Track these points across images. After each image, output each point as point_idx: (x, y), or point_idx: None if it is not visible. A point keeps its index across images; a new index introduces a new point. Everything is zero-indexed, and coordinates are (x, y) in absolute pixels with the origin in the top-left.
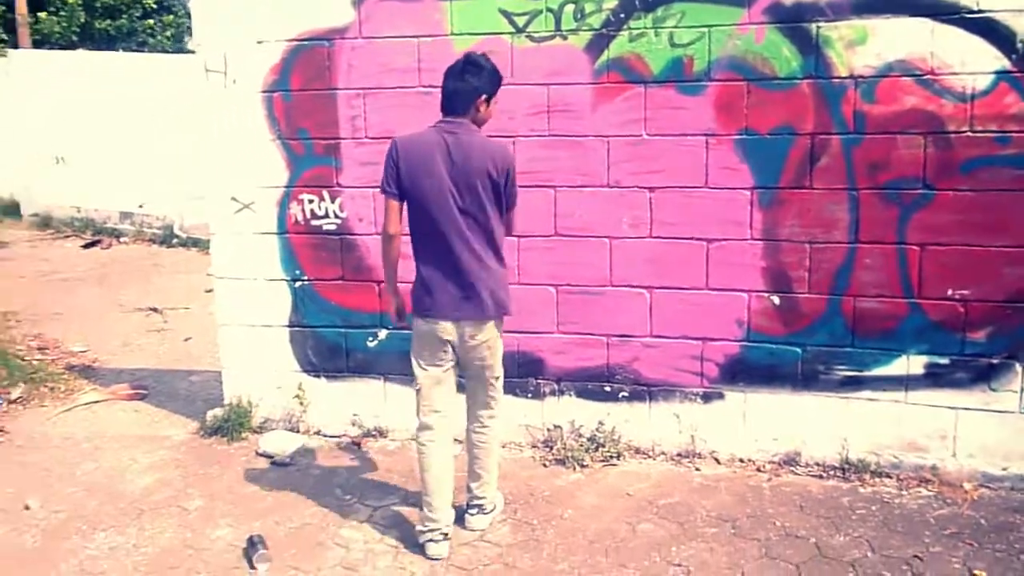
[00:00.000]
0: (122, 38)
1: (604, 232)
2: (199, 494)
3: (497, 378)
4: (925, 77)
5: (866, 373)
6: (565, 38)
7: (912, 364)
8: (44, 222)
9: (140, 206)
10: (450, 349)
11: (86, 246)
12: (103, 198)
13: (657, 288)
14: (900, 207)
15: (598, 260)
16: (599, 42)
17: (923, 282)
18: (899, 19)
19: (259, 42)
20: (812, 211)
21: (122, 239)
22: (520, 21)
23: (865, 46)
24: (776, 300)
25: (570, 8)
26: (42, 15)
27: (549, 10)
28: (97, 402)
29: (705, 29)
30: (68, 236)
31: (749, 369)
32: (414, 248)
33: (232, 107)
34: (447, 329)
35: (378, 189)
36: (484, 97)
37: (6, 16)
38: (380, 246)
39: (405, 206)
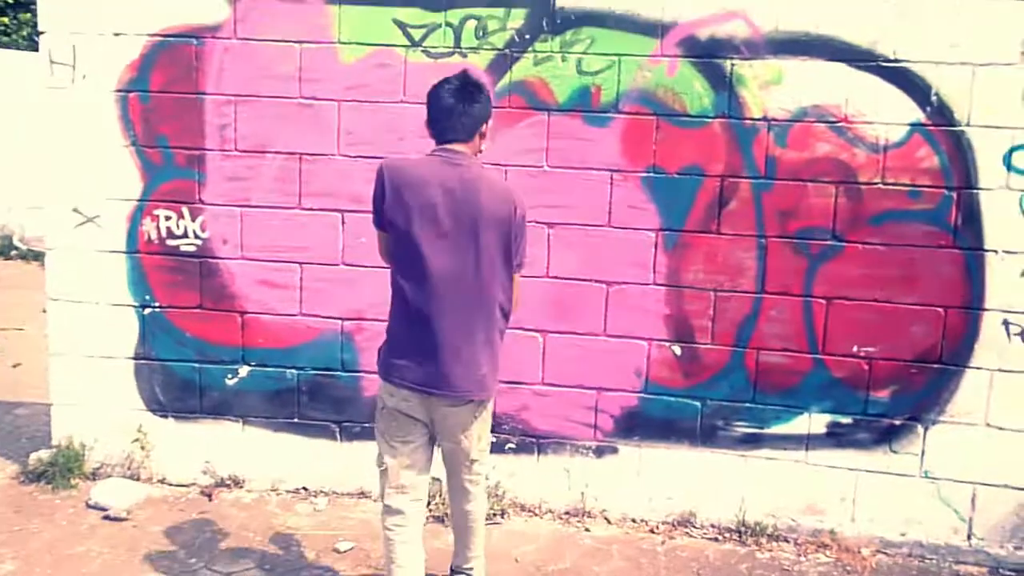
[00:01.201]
0: None
1: None
2: (11, 555)
3: (475, 462)
4: (839, 124)
5: (767, 430)
6: (465, 56)
7: (814, 422)
8: None
9: None
10: (421, 425)
11: None
12: None
13: (551, 332)
14: (808, 257)
15: None
16: (501, 63)
17: (828, 337)
18: (815, 62)
19: (116, 34)
20: (719, 257)
21: None
22: (416, 34)
23: (780, 87)
24: (677, 350)
25: (471, 24)
26: None
27: (448, 25)
28: None
29: (615, 58)
30: None
31: (646, 422)
32: (392, 295)
33: (80, 106)
34: (415, 405)
35: (245, 208)
36: (488, 124)
37: None
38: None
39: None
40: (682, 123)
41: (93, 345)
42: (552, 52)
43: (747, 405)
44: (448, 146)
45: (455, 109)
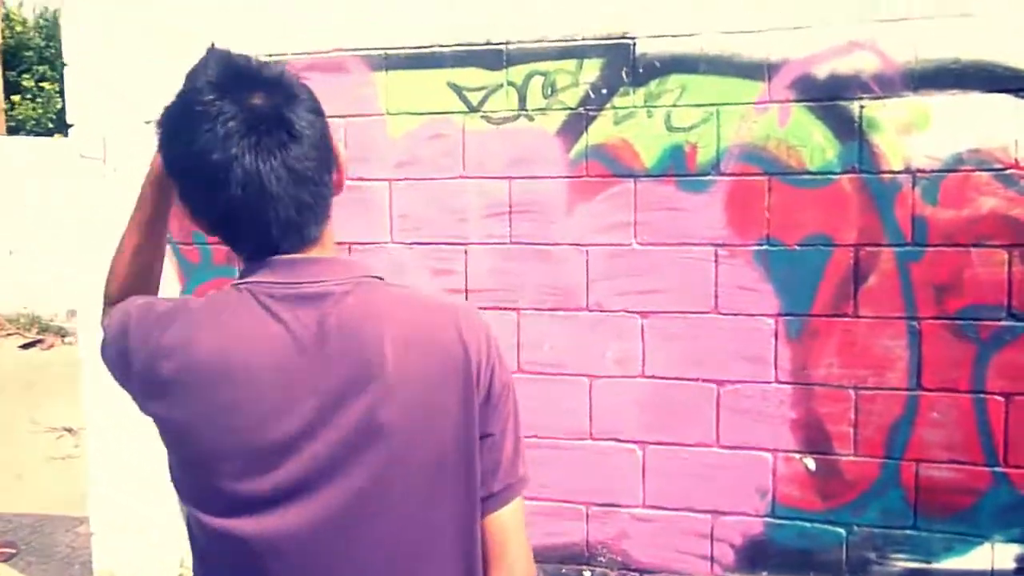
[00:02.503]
0: None
1: (582, 369)
2: None
3: None
4: (1008, 172)
5: (936, 565)
6: (531, 119)
7: (999, 555)
8: None
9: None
10: None
11: (24, 346)
12: (51, 294)
13: (651, 443)
14: (977, 343)
15: (574, 405)
16: (575, 124)
17: (1010, 444)
18: (970, 95)
19: (147, 122)
20: (858, 346)
21: (67, 339)
22: (474, 98)
23: (925, 131)
24: (811, 463)
25: (537, 82)
26: (15, 98)
27: (511, 84)
28: None
29: (712, 109)
30: (11, 334)
31: (776, 554)
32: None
33: (112, 202)
34: None
35: None
36: (339, 175)
37: None
38: None
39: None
40: (801, 182)
41: (136, 470)
42: (635, 107)
43: (907, 532)
44: (286, 259)
45: (267, 147)
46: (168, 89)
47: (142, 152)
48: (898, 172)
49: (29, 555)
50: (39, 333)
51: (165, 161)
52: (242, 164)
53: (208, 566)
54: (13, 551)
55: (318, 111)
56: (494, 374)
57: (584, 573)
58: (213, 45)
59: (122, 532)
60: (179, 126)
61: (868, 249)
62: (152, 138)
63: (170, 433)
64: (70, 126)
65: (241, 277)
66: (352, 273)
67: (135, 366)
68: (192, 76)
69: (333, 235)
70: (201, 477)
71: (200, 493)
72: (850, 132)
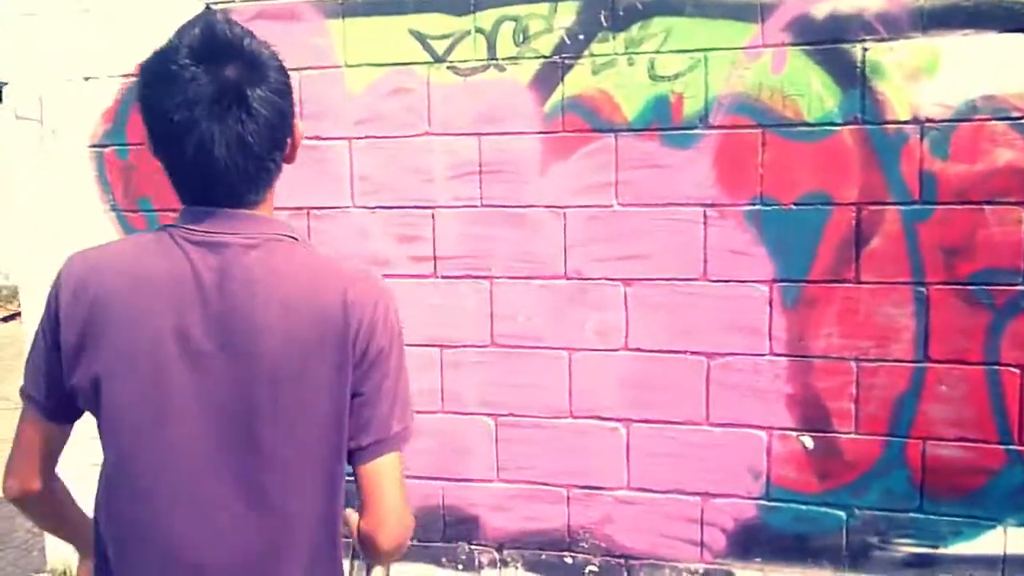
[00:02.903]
0: None
1: (560, 342)
2: None
3: None
4: None
5: (943, 550)
6: (502, 70)
7: (1012, 539)
8: None
9: None
10: None
11: (5, 319)
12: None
13: (636, 421)
14: (991, 310)
15: (552, 381)
16: (550, 75)
17: None
18: (986, 36)
19: (87, 78)
20: (860, 315)
21: None
22: (439, 47)
23: (935, 76)
24: (808, 442)
25: (508, 28)
26: None
27: (479, 31)
28: None
29: (700, 55)
30: None
31: (770, 539)
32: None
33: (51, 167)
34: None
35: None
36: (291, 141)
37: None
38: None
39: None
40: (797, 135)
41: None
42: (615, 54)
43: (911, 515)
44: (213, 211)
45: (211, 127)
46: (108, 42)
47: (80, 110)
48: (905, 122)
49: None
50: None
51: (139, 99)
52: (199, 129)
53: (111, 485)
54: None
55: (282, 91)
56: (372, 339)
57: (565, 559)
58: (208, 7)
59: None
60: (153, 80)
61: (871, 208)
62: (93, 96)
63: (93, 371)
64: (4, 84)
65: (175, 221)
66: (265, 230)
67: (69, 329)
68: (178, 34)
69: (272, 202)
70: (117, 405)
71: (115, 419)
72: (852, 79)
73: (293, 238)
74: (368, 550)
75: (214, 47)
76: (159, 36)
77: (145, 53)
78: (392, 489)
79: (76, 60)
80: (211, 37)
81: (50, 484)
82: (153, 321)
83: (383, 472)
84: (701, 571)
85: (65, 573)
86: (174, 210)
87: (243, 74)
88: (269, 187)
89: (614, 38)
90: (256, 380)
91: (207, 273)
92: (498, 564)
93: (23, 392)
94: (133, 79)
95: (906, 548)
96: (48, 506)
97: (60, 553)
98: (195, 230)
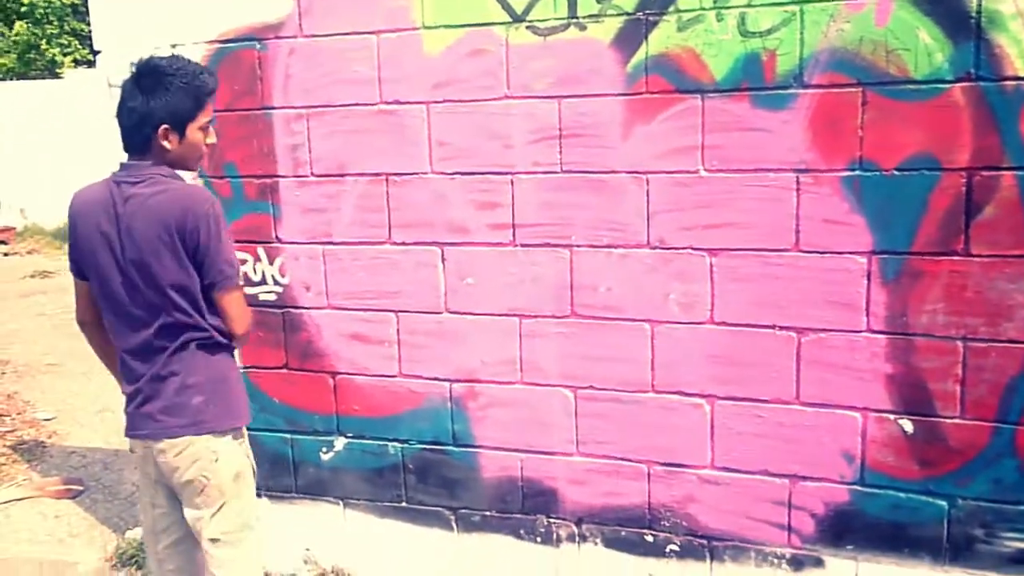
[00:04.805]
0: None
1: (643, 314)
2: None
3: (217, 541)
4: None
5: None
6: (583, 28)
7: None
8: None
9: None
10: (163, 489)
11: None
12: None
13: (721, 398)
14: None
15: (634, 354)
16: (633, 33)
17: None
18: None
19: (174, 46)
20: (969, 290)
21: None
22: (518, 6)
23: None
24: (908, 426)
25: None
26: None
27: None
28: (20, 499)
29: (795, 7)
30: None
31: (864, 526)
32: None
33: None
34: (141, 455)
35: (327, 246)
36: (165, 127)
37: None
38: None
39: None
40: (903, 94)
41: None
42: (703, 9)
43: (1022, 508)
44: (129, 160)
45: (118, 111)
46: (193, 10)
47: None
48: None
49: (96, 492)
50: None
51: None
52: (121, 103)
53: (103, 307)
54: (80, 488)
55: (167, 94)
56: (199, 235)
57: (646, 537)
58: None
59: None
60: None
61: (984, 173)
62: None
63: (79, 257)
64: (97, 53)
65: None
66: (144, 173)
67: (73, 233)
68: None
69: (168, 156)
70: (91, 277)
71: (93, 286)
72: (965, 30)
73: (172, 178)
74: (233, 338)
75: (136, 74)
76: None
77: (227, 20)
78: (232, 306)
79: (164, 28)
80: (138, 69)
81: (96, 318)
82: (93, 235)
83: (223, 297)
84: (788, 556)
85: None
86: (258, 176)
87: (139, 84)
88: (147, 150)
89: None
90: (141, 261)
91: (119, 199)
92: (576, 539)
93: (70, 268)
94: (217, 46)
95: (1014, 543)
96: (93, 338)
97: None
98: (119, 174)
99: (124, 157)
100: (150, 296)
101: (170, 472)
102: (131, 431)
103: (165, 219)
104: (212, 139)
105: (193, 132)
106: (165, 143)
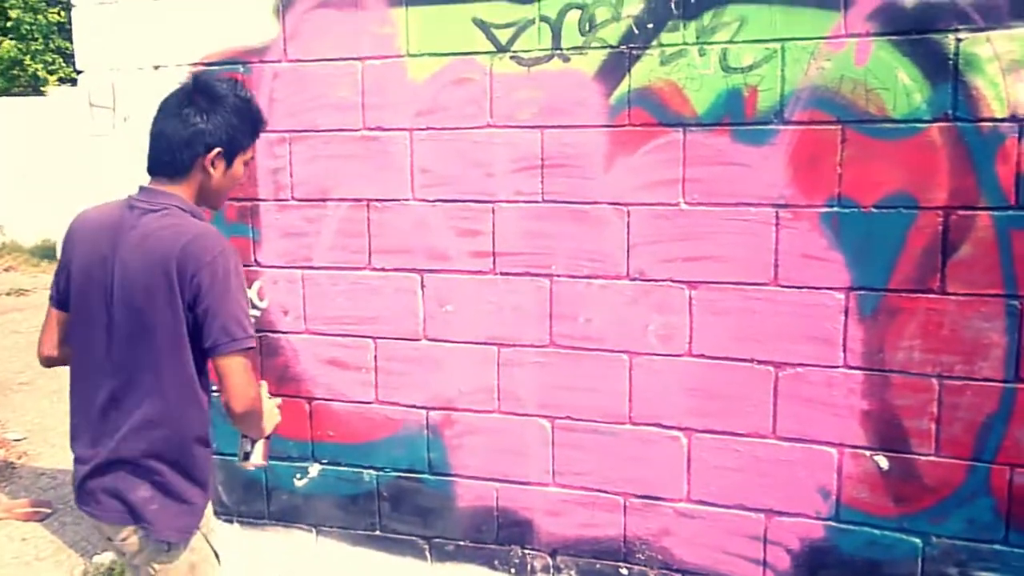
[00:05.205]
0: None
1: (622, 345)
2: None
3: None
4: None
5: None
6: (567, 60)
7: None
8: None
9: None
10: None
11: None
12: None
13: (698, 431)
14: None
15: (612, 385)
16: (617, 65)
17: None
18: None
19: (156, 67)
20: (945, 328)
21: None
22: (503, 36)
23: None
24: (883, 462)
25: (574, 17)
26: None
27: (544, 20)
28: None
29: (776, 45)
30: None
31: (838, 563)
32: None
33: (123, 153)
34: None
35: (307, 270)
36: (218, 152)
37: None
38: None
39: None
40: (881, 132)
41: None
42: (686, 44)
43: (996, 547)
44: (151, 184)
45: (159, 129)
46: (176, 33)
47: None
48: (1001, 120)
49: (64, 515)
50: None
51: (154, 122)
52: (162, 119)
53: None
54: (49, 510)
55: (223, 117)
56: (200, 283)
57: (621, 570)
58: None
59: None
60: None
61: (961, 213)
62: (162, 84)
63: (67, 284)
64: (79, 73)
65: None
66: (163, 202)
67: (66, 255)
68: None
69: (207, 184)
70: (73, 307)
71: (73, 317)
72: (943, 72)
73: (184, 210)
74: (229, 416)
75: (186, 92)
76: (224, 28)
77: (211, 43)
78: (235, 376)
79: (147, 49)
80: (190, 87)
81: (64, 359)
82: (92, 259)
83: (224, 365)
84: None
85: None
86: (238, 199)
87: (199, 104)
88: (184, 174)
89: (685, 27)
90: (131, 301)
91: (132, 226)
92: (551, 570)
93: (50, 293)
94: (201, 68)
95: None
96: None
97: None
98: (136, 198)
99: (120, 176)
100: (134, 347)
101: (121, 551)
102: (80, 504)
103: (165, 259)
104: (242, 177)
105: (239, 164)
106: (211, 169)
